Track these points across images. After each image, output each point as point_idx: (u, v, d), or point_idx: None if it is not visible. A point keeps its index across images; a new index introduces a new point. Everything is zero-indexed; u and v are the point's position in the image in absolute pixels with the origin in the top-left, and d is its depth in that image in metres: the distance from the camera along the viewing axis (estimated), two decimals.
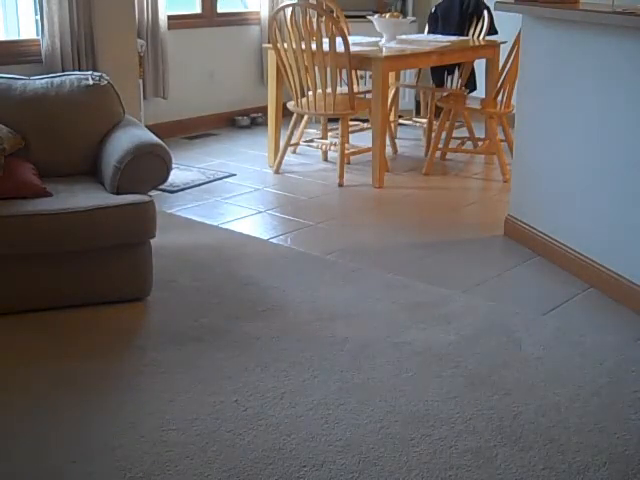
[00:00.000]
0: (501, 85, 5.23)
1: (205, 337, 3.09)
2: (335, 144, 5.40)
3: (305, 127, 5.79)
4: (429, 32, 6.13)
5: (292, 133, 5.49)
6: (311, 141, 5.73)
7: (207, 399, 2.66)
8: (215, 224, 4.43)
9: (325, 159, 5.81)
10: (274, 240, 4.21)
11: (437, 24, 6.09)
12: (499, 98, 5.31)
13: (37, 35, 5.10)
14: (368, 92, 5.59)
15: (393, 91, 6.06)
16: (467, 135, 5.95)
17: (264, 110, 5.93)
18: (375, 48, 5.32)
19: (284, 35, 5.18)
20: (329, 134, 5.91)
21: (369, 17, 5.66)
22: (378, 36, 5.69)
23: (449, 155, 5.90)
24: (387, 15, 5.66)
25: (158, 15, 5.99)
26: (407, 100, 7.09)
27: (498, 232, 4.34)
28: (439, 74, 6.05)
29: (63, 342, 3.04)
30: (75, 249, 3.22)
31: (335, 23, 4.99)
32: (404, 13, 7.11)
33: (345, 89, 5.38)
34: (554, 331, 3.18)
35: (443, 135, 5.67)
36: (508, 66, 5.09)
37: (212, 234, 4.27)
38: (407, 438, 2.46)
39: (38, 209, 3.17)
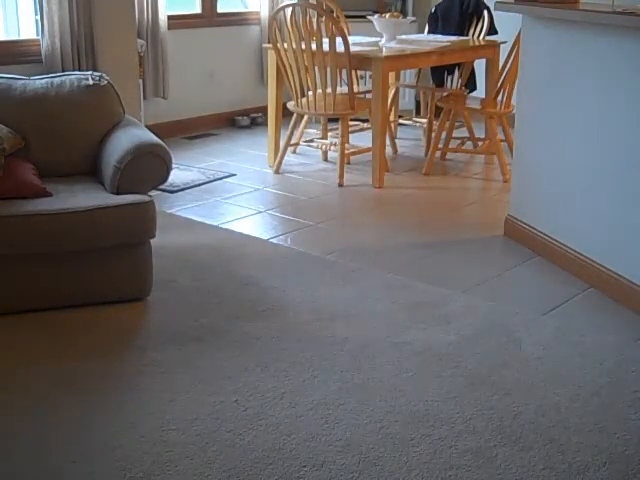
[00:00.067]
0: (501, 85, 5.23)
1: (205, 337, 3.09)
2: (335, 144, 5.40)
3: (305, 127, 5.79)
4: (429, 32, 6.13)
5: (292, 133, 5.49)
6: (311, 141, 5.73)
7: (207, 399, 2.66)
8: (215, 224, 4.43)
9: (325, 159, 5.81)
10: (274, 240, 4.21)
11: (437, 24, 6.09)
12: (499, 98, 5.31)
13: (37, 35, 5.10)
14: (368, 92, 5.59)
15: (393, 91, 6.06)
16: (467, 135, 5.95)
17: (264, 110, 5.93)
18: (375, 48, 5.32)
19: (284, 35, 5.18)
20: (329, 134, 5.91)
21: (369, 17, 5.66)
22: (378, 36, 5.69)
23: (449, 155, 5.90)
24: (387, 15, 5.66)
25: (158, 15, 5.99)
26: (407, 100, 7.09)
27: (498, 232, 4.34)
28: (439, 74, 6.05)
29: (63, 342, 3.05)
30: (75, 249, 3.22)
31: (335, 23, 4.99)
32: (404, 13, 7.11)
33: (345, 89, 5.38)
34: (554, 331, 3.18)
35: (443, 135, 5.67)
36: (508, 66, 5.09)
37: (212, 234, 4.27)
38: (407, 438, 2.46)
39: (38, 209, 3.17)
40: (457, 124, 5.83)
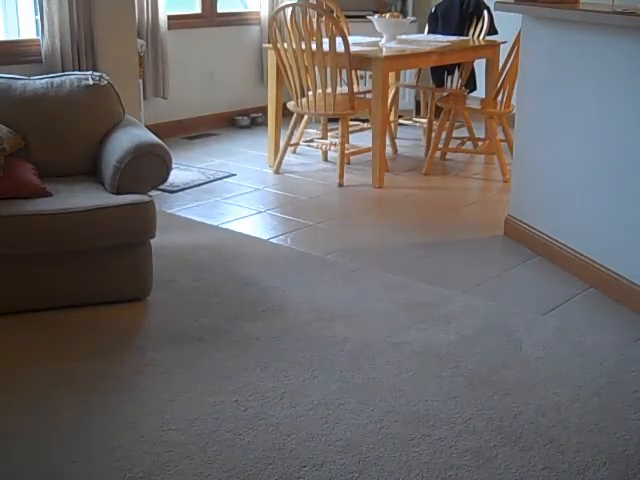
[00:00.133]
0: (501, 85, 5.23)
1: (205, 337, 3.09)
2: (335, 144, 5.40)
3: (305, 127, 5.79)
4: (429, 32, 6.13)
5: (292, 133, 5.49)
6: (311, 141, 5.73)
7: (207, 399, 2.66)
8: (215, 224, 4.43)
9: (325, 159, 5.81)
10: (274, 240, 4.21)
11: (437, 24, 6.09)
12: (499, 98, 5.31)
13: (37, 35, 5.10)
14: (368, 92, 5.60)
15: (393, 91, 6.06)
16: (467, 135, 5.95)
17: (264, 110, 5.93)
18: (375, 48, 5.32)
19: (284, 35, 5.18)
20: (329, 134, 5.91)
21: (369, 17, 5.66)
22: (378, 36, 5.69)
23: (449, 155, 5.90)
24: (387, 15, 5.66)
25: (158, 15, 5.99)
26: (407, 100, 7.09)
27: (498, 232, 4.34)
28: (439, 74, 6.05)
29: (63, 342, 3.04)
30: (75, 249, 3.22)
31: (335, 23, 4.99)
32: (404, 13, 7.11)
33: (345, 89, 5.38)
34: (554, 331, 3.18)
35: (443, 135, 5.67)
36: (508, 66, 5.09)
37: (212, 234, 4.27)
38: (407, 438, 2.46)
39: (38, 209, 3.17)
40: (457, 124, 5.83)
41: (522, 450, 2.41)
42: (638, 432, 2.51)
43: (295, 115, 5.42)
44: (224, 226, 4.41)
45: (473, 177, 5.57)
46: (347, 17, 6.00)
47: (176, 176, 5.16)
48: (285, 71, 5.23)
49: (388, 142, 5.74)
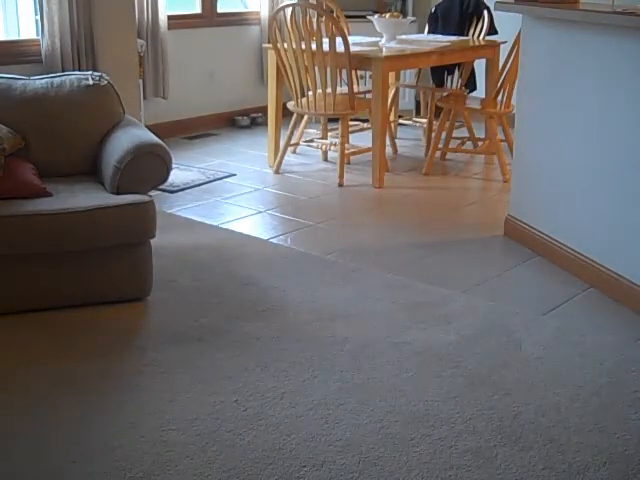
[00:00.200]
0: (501, 85, 5.23)
1: (205, 337, 3.09)
2: (335, 144, 5.40)
3: (305, 127, 5.79)
4: (429, 32, 6.13)
5: (292, 133, 5.49)
6: (311, 141, 5.73)
7: (207, 399, 2.66)
8: (215, 224, 4.43)
9: (325, 159, 5.81)
10: (274, 240, 4.21)
11: (437, 24, 6.09)
12: (499, 98, 5.31)
13: (37, 35, 5.10)
14: (368, 92, 5.60)
15: (393, 91, 6.06)
16: (467, 135, 5.95)
17: (264, 110, 5.93)
18: (375, 48, 5.32)
19: (284, 35, 5.18)
20: (329, 134, 5.91)
21: (369, 17, 5.66)
22: (378, 36, 5.69)
23: (449, 155, 5.90)
24: (387, 15, 5.66)
25: (158, 15, 5.99)
26: (407, 100, 7.09)
27: (498, 232, 4.34)
28: (439, 74, 6.05)
29: (63, 342, 3.04)
30: (75, 249, 3.22)
31: (335, 23, 4.99)
32: (404, 13, 7.11)
33: (345, 89, 5.38)
34: (554, 331, 3.18)
35: (443, 135, 5.67)
36: (508, 66, 5.09)
37: (212, 234, 4.27)
38: (407, 438, 2.46)
39: (38, 209, 3.17)
40: (457, 124, 5.83)
41: (522, 450, 2.41)
42: (638, 432, 2.51)
43: (295, 115, 5.42)
44: (224, 226, 4.41)
45: (473, 177, 5.57)
46: (347, 17, 6.00)
47: (176, 176, 5.16)
48: (285, 71, 5.23)
49: (388, 142, 5.74)
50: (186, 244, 4.08)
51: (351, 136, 5.79)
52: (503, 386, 2.77)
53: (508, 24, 5.17)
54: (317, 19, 5.40)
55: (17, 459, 2.35)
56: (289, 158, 5.68)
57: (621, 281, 3.44)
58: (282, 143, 5.49)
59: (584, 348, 3.04)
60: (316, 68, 5.11)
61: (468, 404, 2.65)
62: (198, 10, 6.61)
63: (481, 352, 3.00)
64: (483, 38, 5.82)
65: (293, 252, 4.02)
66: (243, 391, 2.71)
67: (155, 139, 3.47)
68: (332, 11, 5.77)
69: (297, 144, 5.76)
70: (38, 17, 5.02)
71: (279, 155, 5.47)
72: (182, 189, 5.06)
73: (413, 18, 6.28)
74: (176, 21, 6.32)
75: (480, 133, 5.96)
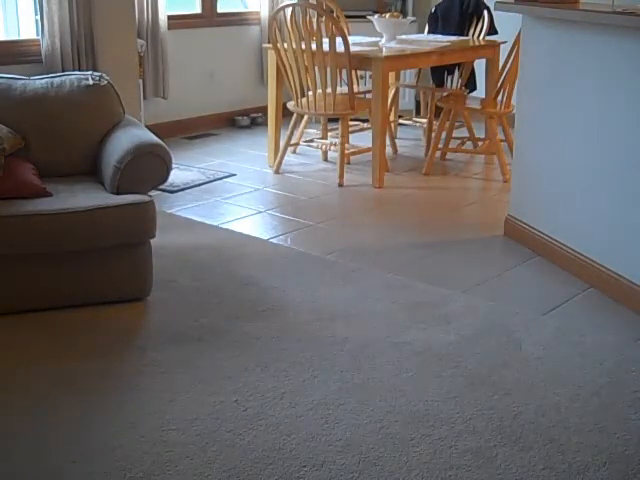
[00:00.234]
0: (501, 85, 5.23)
1: (205, 337, 3.09)
2: (335, 144, 5.40)
3: (305, 127, 5.79)
4: (429, 32, 6.13)
5: (292, 133, 5.49)
6: (311, 141, 5.73)
7: (207, 399, 2.66)
8: (215, 224, 4.43)
9: (325, 159, 5.81)
10: (274, 240, 4.21)
11: (437, 24, 6.09)
12: (499, 98, 5.31)
13: (37, 35, 5.10)
14: (368, 92, 5.60)
15: (393, 91, 6.06)
16: (467, 135, 5.95)
17: (264, 110, 5.93)
18: (375, 48, 5.32)
19: (284, 35, 5.18)
20: (329, 134, 5.91)
21: (369, 17, 5.66)
22: (378, 36, 5.69)
23: (449, 155, 5.90)
24: (387, 15, 5.66)
25: (158, 15, 5.99)
26: (407, 100, 7.09)
27: (498, 232, 4.34)
28: (439, 74, 6.05)
29: (63, 342, 3.05)
30: (75, 249, 3.22)
31: (335, 23, 4.99)
32: (404, 13, 7.11)
33: (345, 89, 5.38)
34: (554, 331, 3.18)
35: (443, 135, 5.67)
36: (508, 66, 5.09)
37: (212, 234, 4.27)
38: (407, 438, 2.46)
39: (38, 209, 3.17)
40: (457, 124, 5.83)
41: (522, 450, 2.41)
42: (638, 432, 2.51)
43: (295, 115, 5.42)
44: (224, 226, 4.41)
45: (473, 177, 5.57)
46: (347, 17, 6.00)
47: (176, 176, 5.16)
48: (285, 71, 5.23)
49: (388, 142, 5.74)
50: (186, 244, 4.08)
51: (351, 136, 5.79)
52: (503, 386, 2.77)
53: (508, 24, 5.17)
54: (317, 19, 5.40)
55: (17, 459, 2.35)
56: (289, 158, 5.68)
57: (621, 281, 3.44)
58: (282, 143, 5.49)
59: (584, 348, 3.04)
60: (316, 68, 5.11)
61: (468, 404, 2.65)
62: (198, 10, 6.61)
63: (481, 352, 3.00)
64: (483, 38, 5.82)
65: (293, 252, 4.02)
66: (243, 391, 2.71)
67: (155, 139, 3.47)
68: (332, 11, 5.78)
69: (297, 144, 5.76)
70: (38, 17, 5.02)
71: (279, 155, 5.47)
72: (182, 189, 5.06)
73: (413, 18, 6.28)
74: (176, 21, 6.32)
75: (480, 133, 5.96)
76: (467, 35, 5.96)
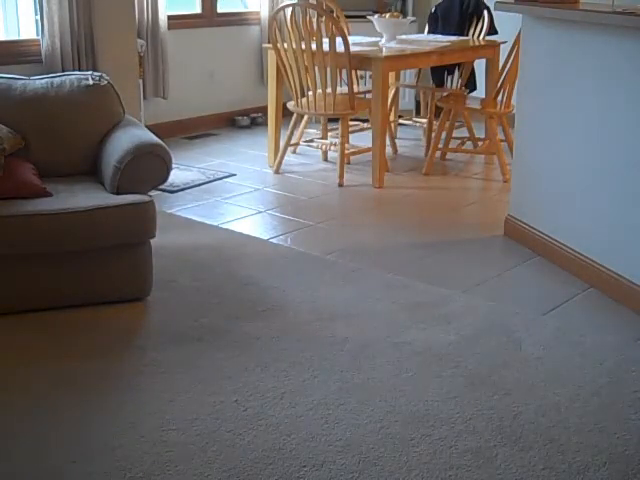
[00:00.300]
0: (501, 85, 5.23)
1: (205, 337, 3.09)
2: (335, 144, 5.40)
3: (305, 127, 5.79)
4: (429, 32, 6.13)
5: (292, 133, 5.49)
6: (311, 141, 5.73)
7: (207, 399, 2.66)
8: (215, 224, 4.43)
9: (325, 159, 5.81)
10: (274, 240, 4.21)
11: (437, 24, 6.09)
12: (499, 98, 5.31)
13: (37, 35, 5.10)
14: (368, 92, 5.59)
15: (393, 91, 6.06)
16: (467, 135, 5.95)
17: (264, 110, 5.93)
18: (375, 48, 5.32)
19: (284, 35, 5.18)
20: (329, 134, 5.91)
21: (369, 17, 5.66)
22: (378, 36, 5.69)
23: (449, 155, 5.90)
24: (387, 15, 5.66)
25: (158, 15, 5.99)
26: (407, 100, 7.09)
27: (498, 232, 4.34)
28: (439, 74, 6.05)
29: (63, 342, 3.05)
30: (75, 249, 3.22)
31: (335, 23, 4.99)
32: (404, 13, 7.11)
33: (345, 89, 5.38)
34: (554, 331, 3.18)
35: (443, 135, 5.67)
36: (508, 66, 5.09)
37: (212, 234, 4.27)
38: (407, 438, 2.46)
39: (38, 209, 3.17)
40: (457, 124, 5.83)
41: (522, 450, 2.41)
42: (638, 432, 2.51)
43: (295, 115, 5.42)
44: (224, 226, 4.41)
45: (473, 177, 5.57)
46: (347, 17, 6.00)
47: (176, 176, 5.16)
48: (285, 71, 5.23)
49: (388, 142, 5.74)
50: (186, 244, 4.08)
51: (351, 136, 5.79)
52: (503, 386, 2.77)
53: (508, 24, 5.17)
54: (317, 19, 5.40)
55: (17, 459, 2.35)
56: (289, 158, 5.68)
57: (621, 281, 3.44)
58: (282, 143, 5.49)
59: (584, 348, 3.04)
60: (316, 68, 5.11)
61: (468, 404, 2.65)
62: (198, 10, 6.61)
63: (481, 352, 3.00)
64: (483, 38, 5.82)
65: (293, 252, 4.02)
66: (243, 391, 2.71)
67: (155, 139, 3.47)
68: (332, 11, 5.78)
69: (297, 144, 5.76)
70: (38, 17, 5.02)
71: (279, 155, 5.47)
72: (182, 189, 5.06)
73: (413, 18, 6.28)
74: (176, 21, 6.32)
75: (480, 133, 5.96)
76: (467, 35, 5.96)
